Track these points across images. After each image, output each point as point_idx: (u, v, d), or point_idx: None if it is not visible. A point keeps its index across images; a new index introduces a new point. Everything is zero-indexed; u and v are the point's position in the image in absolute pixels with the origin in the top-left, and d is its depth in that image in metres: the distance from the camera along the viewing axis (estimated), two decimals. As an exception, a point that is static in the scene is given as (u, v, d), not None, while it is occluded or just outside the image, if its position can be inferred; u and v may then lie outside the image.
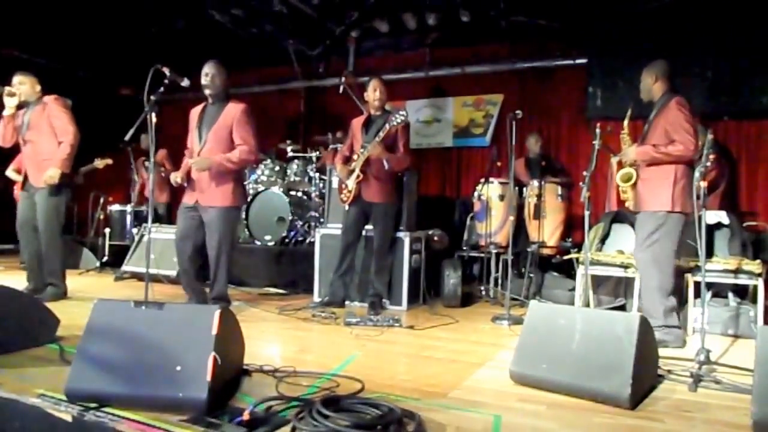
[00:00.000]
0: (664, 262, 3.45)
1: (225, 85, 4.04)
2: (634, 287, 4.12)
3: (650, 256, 3.47)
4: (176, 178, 4.03)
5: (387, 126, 4.17)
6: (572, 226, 5.84)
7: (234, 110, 4.00)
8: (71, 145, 4.38)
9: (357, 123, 4.57)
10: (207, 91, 3.97)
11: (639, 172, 3.60)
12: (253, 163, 5.40)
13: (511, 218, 4.81)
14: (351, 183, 4.36)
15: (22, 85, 4.42)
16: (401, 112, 4.19)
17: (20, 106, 4.46)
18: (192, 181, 4.04)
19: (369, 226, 4.55)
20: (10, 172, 6.49)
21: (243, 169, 4.32)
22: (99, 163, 6.36)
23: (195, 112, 4.13)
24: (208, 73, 3.96)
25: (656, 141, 3.49)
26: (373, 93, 4.42)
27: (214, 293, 4.10)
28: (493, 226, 5.23)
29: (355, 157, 4.41)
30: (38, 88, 4.49)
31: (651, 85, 3.64)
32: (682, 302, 4.15)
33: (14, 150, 4.80)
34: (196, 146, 4.04)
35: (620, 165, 3.74)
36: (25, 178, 4.51)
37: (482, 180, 5.49)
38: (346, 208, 4.51)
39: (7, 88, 4.38)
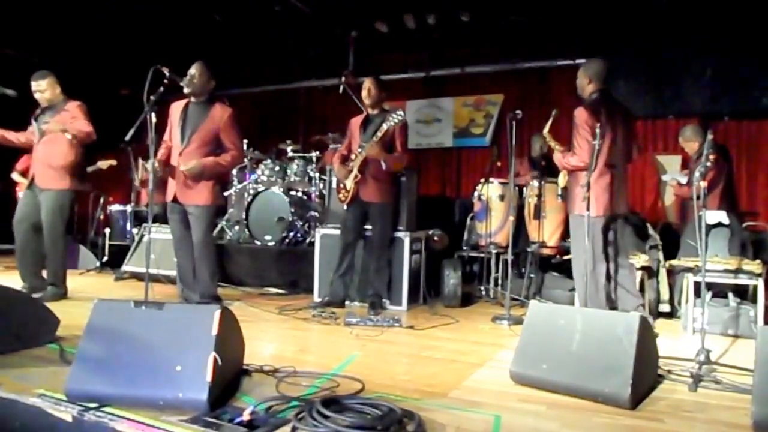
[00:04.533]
0: (585, 258, 3.55)
1: (207, 86, 4.13)
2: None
3: (574, 254, 3.70)
4: (155, 164, 3.96)
5: (384, 126, 4.18)
6: (572, 227, 5.83)
7: (221, 114, 4.11)
8: (87, 134, 4.35)
9: (355, 123, 4.58)
10: (186, 90, 4.06)
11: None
12: (239, 164, 5.95)
13: (511, 218, 4.81)
14: (349, 183, 4.36)
15: (43, 92, 4.40)
16: (398, 112, 4.20)
17: (42, 108, 4.46)
18: (174, 176, 4.12)
19: (368, 226, 4.56)
20: (15, 175, 6.49)
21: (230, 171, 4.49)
22: (102, 163, 6.36)
23: (177, 108, 4.20)
24: (190, 73, 4.07)
25: (568, 147, 3.71)
26: (365, 93, 4.44)
27: (200, 291, 4.16)
28: (493, 226, 5.22)
29: (353, 156, 4.42)
30: (58, 89, 4.47)
31: (585, 85, 3.79)
32: (678, 301, 4.16)
33: (16, 151, 4.78)
34: (178, 145, 4.09)
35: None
36: (32, 179, 4.49)
37: (482, 180, 5.49)
38: (344, 208, 4.51)
39: (7, 89, 4.38)
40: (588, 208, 3.45)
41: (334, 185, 4.90)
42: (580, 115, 3.61)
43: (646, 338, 2.50)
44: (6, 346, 2.77)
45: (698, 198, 2.97)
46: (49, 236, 4.39)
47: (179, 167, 4.05)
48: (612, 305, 3.70)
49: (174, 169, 4.10)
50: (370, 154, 4.22)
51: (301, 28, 7.12)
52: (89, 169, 6.22)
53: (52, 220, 4.38)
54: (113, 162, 6.45)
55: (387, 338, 3.54)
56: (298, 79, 8.22)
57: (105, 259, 6.60)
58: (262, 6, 6.56)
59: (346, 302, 4.63)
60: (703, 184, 2.96)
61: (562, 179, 3.84)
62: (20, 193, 6.40)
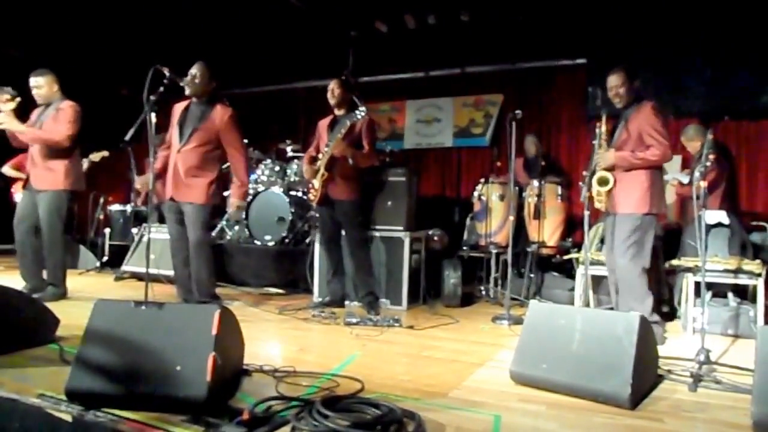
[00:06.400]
0: (642, 262, 3.50)
1: (208, 86, 4.14)
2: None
3: (630, 257, 3.51)
4: (144, 181, 4.10)
5: (347, 122, 4.20)
6: (572, 226, 5.84)
7: (222, 114, 4.13)
8: (46, 141, 4.29)
9: (323, 124, 4.61)
10: (187, 91, 4.08)
11: (615, 176, 3.60)
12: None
13: (511, 218, 4.81)
14: (317, 182, 4.37)
15: (40, 89, 4.39)
16: (361, 109, 4.22)
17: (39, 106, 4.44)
18: (169, 175, 4.15)
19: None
20: (7, 169, 6.46)
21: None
22: (95, 156, 6.31)
23: (178, 108, 4.21)
24: (190, 73, 4.08)
25: (633, 146, 3.53)
26: (329, 94, 4.48)
27: (203, 290, 4.16)
28: (493, 226, 5.23)
29: (320, 156, 4.43)
30: (56, 87, 4.45)
31: (633, 88, 3.62)
32: (678, 301, 4.16)
33: (11, 149, 4.77)
34: (177, 143, 4.11)
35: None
36: (27, 178, 4.50)
37: (482, 180, 5.49)
38: (314, 207, 4.55)
39: (6, 89, 4.37)
40: (588, 208, 3.46)
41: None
42: (659, 108, 3.51)
43: (646, 338, 2.50)
44: (6, 346, 2.77)
45: (698, 198, 2.97)
46: (47, 237, 4.39)
47: (179, 169, 4.06)
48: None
49: (173, 169, 4.11)
50: (336, 151, 4.23)
51: (302, 28, 7.11)
52: (83, 163, 6.21)
53: (50, 221, 4.37)
54: (105, 153, 6.38)
55: (387, 338, 3.54)
56: (298, 79, 8.21)
57: (105, 259, 6.60)
58: (262, 6, 6.55)
59: (346, 302, 4.64)
60: (703, 184, 2.96)
61: (599, 181, 3.58)
62: (15, 189, 6.40)
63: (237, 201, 4.34)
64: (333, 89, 4.46)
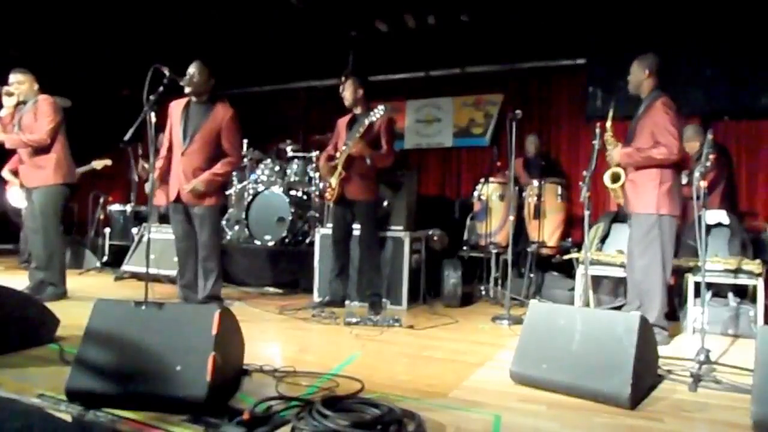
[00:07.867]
0: (659, 264, 3.47)
1: (207, 84, 4.12)
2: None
3: (647, 259, 3.49)
4: (154, 176, 4.09)
5: (366, 122, 4.19)
6: (572, 226, 5.84)
7: (223, 114, 4.12)
8: (34, 141, 4.27)
9: (342, 122, 4.60)
10: (187, 90, 4.07)
11: (627, 173, 3.58)
12: (237, 168, 5.78)
13: (511, 218, 4.81)
14: (334, 181, 4.36)
15: (21, 84, 4.38)
16: (380, 107, 4.21)
17: (17, 104, 4.44)
18: (173, 176, 4.12)
19: (356, 225, 4.56)
20: (5, 173, 6.47)
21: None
22: (97, 163, 6.34)
23: (177, 107, 4.18)
24: (188, 72, 4.06)
25: (642, 143, 3.49)
26: (342, 94, 4.47)
27: (209, 292, 4.14)
28: (493, 226, 5.23)
29: (337, 155, 4.42)
30: (36, 86, 4.45)
31: (642, 79, 3.61)
32: (683, 302, 4.16)
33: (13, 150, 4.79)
34: (181, 145, 4.09)
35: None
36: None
37: (482, 180, 5.49)
38: (330, 206, 4.56)
39: (5, 88, 4.37)
40: (588, 208, 3.46)
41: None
42: (669, 104, 3.45)
43: (646, 338, 2.50)
44: (6, 346, 2.77)
45: (698, 198, 2.97)
46: (41, 234, 4.36)
47: (186, 171, 4.05)
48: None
49: (179, 171, 4.10)
50: (354, 150, 4.22)
51: (301, 27, 7.12)
52: (83, 169, 6.23)
53: (44, 219, 4.35)
54: (108, 162, 6.41)
55: (387, 338, 3.54)
56: (298, 79, 8.22)
57: (105, 259, 6.60)
58: (262, 6, 6.56)
59: (346, 302, 4.63)
60: (703, 184, 2.96)
61: (611, 177, 3.58)
62: (9, 189, 6.38)
63: (197, 181, 3.99)
64: (348, 88, 4.44)
